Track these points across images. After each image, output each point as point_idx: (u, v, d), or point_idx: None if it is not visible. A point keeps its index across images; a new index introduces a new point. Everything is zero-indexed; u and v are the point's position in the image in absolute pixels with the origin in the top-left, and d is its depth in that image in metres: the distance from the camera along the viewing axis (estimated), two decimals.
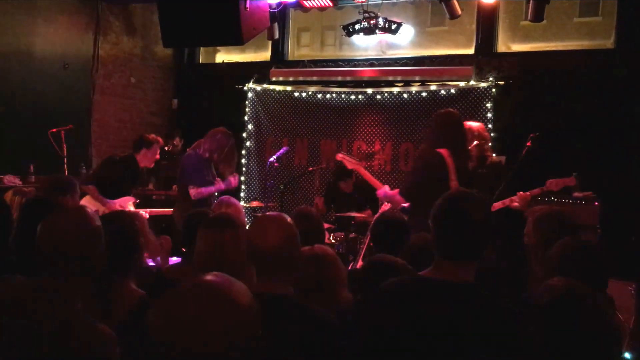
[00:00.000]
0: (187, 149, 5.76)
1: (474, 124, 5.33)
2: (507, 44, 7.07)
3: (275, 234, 2.01)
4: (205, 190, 5.27)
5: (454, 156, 4.45)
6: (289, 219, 2.09)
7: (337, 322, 2.03)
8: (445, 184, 4.37)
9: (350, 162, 5.02)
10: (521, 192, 4.74)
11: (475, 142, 5.37)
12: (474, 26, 7.11)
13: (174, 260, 4.16)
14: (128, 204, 5.35)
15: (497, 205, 4.77)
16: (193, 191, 5.27)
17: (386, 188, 4.73)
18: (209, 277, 1.20)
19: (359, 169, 5.03)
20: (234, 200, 4.08)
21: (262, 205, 6.07)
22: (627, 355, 3.85)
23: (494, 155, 5.30)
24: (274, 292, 1.98)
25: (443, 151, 4.44)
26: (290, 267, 2.05)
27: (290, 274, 2.06)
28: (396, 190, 4.57)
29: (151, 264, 3.31)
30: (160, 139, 5.76)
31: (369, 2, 6.27)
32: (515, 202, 4.74)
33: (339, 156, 5.12)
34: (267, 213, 2.21)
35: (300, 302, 2.02)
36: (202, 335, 1.10)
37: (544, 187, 4.78)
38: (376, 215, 4.98)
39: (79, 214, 2.05)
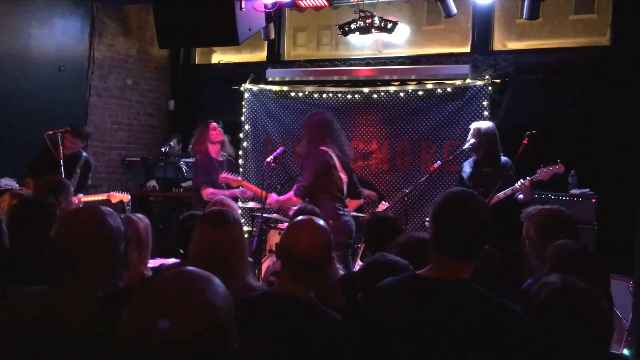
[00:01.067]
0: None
1: (482, 125, 5.48)
2: (502, 42, 7.07)
3: (310, 240, 2.05)
4: (219, 192, 5.53)
5: (336, 151, 5.06)
6: (326, 227, 2.13)
7: (349, 328, 2.06)
8: (336, 174, 5.01)
9: (233, 181, 5.50)
10: (521, 181, 4.89)
11: (472, 140, 5.41)
12: (469, 24, 7.11)
13: (172, 261, 4.17)
14: None
15: (500, 195, 4.89)
16: (206, 192, 5.62)
17: (274, 195, 5.27)
18: (178, 272, 1.19)
19: (242, 183, 5.57)
20: (227, 200, 4.10)
21: (259, 206, 6.05)
22: (625, 351, 3.87)
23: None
24: (293, 294, 2.02)
25: (326, 148, 5.01)
26: (317, 273, 2.09)
27: (315, 279, 2.10)
28: (289, 194, 5.06)
29: (151, 265, 3.31)
30: (75, 130, 5.88)
31: (365, 2, 6.27)
32: (521, 193, 4.92)
33: (222, 177, 5.54)
34: (304, 218, 2.22)
35: (315, 306, 2.05)
36: (170, 330, 1.09)
37: (534, 177, 4.91)
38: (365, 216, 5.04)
39: (94, 213, 1.98)
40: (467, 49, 7.13)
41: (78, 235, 1.88)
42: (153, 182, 7.71)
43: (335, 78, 7.72)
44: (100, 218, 1.94)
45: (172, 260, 4.20)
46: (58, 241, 1.90)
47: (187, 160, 7.53)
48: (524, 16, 5.54)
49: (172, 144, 8.03)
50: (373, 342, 1.97)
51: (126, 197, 5.89)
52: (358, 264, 4.84)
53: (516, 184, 4.96)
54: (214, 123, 6.04)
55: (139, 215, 3.31)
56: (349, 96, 7.51)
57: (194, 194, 5.98)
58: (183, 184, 7.55)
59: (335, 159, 5.05)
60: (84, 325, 1.80)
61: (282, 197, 5.18)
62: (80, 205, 5.39)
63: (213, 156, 5.93)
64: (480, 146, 5.35)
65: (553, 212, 3.01)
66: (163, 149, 7.86)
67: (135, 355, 1.10)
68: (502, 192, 4.96)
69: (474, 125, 5.52)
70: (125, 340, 1.12)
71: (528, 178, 4.94)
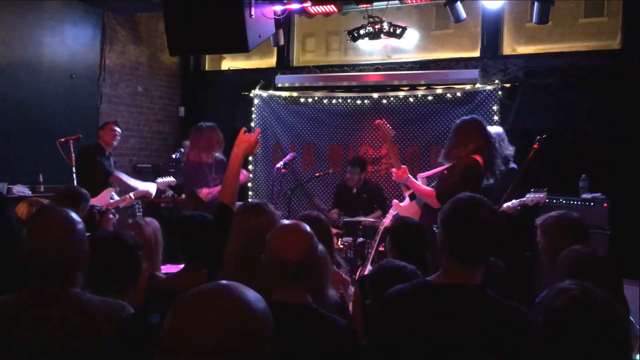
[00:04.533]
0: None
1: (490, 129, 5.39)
2: (512, 46, 7.06)
3: (298, 245, 2.02)
4: (215, 189, 5.17)
5: (485, 163, 4.41)
6: (309, 229, 2.10)
7: (353, 330, 2.04)
8: (477, 190, 4.24)
9: (385, 132, 4.76)
10: (531, 196, 4.81)
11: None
12: (479, 29, 7.11)
13: (179, 267, 4.16)
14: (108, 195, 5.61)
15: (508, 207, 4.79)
16: (203, 193, 5.21)
17: (414, 181, 4.57)
18: (223, 282, 1.21)
19: (390, 145, 4.79)
20: None
21: None
22: (638, 357, 3.83)
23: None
24: (294, 301, 2.00)
25: (479, 158, 4.37)
26: (309, 276, 2.06)
27: (308, 282, 2.08)
28: (430, 189, 4.43)
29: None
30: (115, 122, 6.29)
31: (374, 7, 6.28)
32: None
33: (378, 121, 4.87)
34: (287, 222, 2.17)
35: (318, 311, 2.04)
36: (213, 339, 1.10)
37: (522, 201, 4.84)
38: (386, 219, 4.99)
39: (57, 216, 2.00)
40: (477, 54, 7.12)
41: (47, 240, 1.91)
42: (170, 192, 7.71)
43: (345, 83, 7.73)
44: (67, 222, 1.97)
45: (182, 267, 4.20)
46: (27, 247, 1.92)
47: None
48: (534, 20, 5.54)
49: (182, 150, 8.06)
50: (387, 348, 1.97)
51: (173, 181, 6.12)
52: (368, 269, 4.84)
53: (527, 198, 4.90)
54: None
55: (147, 219, 3.31)
56: (359, 101, 7.52)
57: (188, 200, 5.45)
58: None
59: (483, 173, 4.39)
60: (70, 329, 1.84)
61: (423, 188, 4.50)
62: (133, 202, 5.69)
63: (204, 161, 5.42)
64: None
65: (560, 217, 2.99)
66: (173, 155, 7.90)
67: None
68: (511, 202, 4.90)
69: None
70: (164, 346, 1.13)
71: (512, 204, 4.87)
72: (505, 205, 4.78)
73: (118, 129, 6.25)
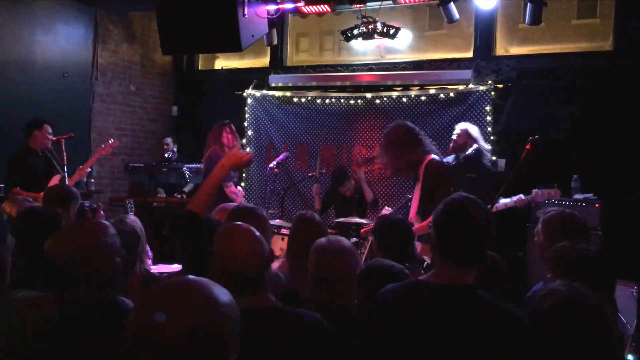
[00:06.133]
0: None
1: (471, 127, 5.46)
2: (505, 47, 7.07)
3: (253, 251, 1.97)
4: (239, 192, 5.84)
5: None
6: (257, 232, 2.05)
7: (323, 323, 2.02)
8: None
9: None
10: (521, 196, 4.80)
11: (475, 146, 5.41)
12: (472, 29, 7.12)
13: (176, 267, 4.17)
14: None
15: (499, 206, 4.79)
16: (228, 189, 5.59)
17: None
18: (190, 276, 1.24)
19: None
20: (229, 205, 4.08)
21: None
22: (629, 357, 3.86)
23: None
24: (259, 305, 1.95)
25: (436, 156, 4.42)
26: (265, 278, 2.03)
27: (266, 283, 2.04)
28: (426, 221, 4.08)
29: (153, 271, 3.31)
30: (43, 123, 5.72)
31: (367, 7, 6.28)
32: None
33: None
34: (236, 226, 2.08)
35: (285, 309, 2.01)
36: (177, 329, 1.12)
37: (529, 197, 4.85)
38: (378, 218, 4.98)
39: (92, 228, 2.05)
40: (470, 54, 7.13)
41: (76, 250, 1.95)
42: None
43: (338, 83, 7.73)
44: (98, 235, 2.03)
45: (175, 267, 4.21)
46: (57, 255, 1.93)
47: (190, 165, 7.53)
48: (527, 21, 5.55)
49: (175, 149, 8.05)
50: (378, 348, 1.97)
51: (114, 142, 6.20)
52: None
53: (520, 196, 4.91)
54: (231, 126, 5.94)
55: (131, 216, 3.32)
56: (352, 101, 7.52)
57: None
58: (185, 189, 7.53)
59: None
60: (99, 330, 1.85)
61: (426, 222, 4.10)
62: (84, 177, 5.84)
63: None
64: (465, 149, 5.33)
65: (563, 215, 2.97)
66: (166, 155, 7.88)
67: (138, 351, 1.13)
68: (503, 203, 4.90)
69: (462, 126, 5.50)
70: (129, 337, 1.15)
71: (524, 197, 4.85)
72: (499, 202, 4.79)
73: (50, 135, 5.68)
